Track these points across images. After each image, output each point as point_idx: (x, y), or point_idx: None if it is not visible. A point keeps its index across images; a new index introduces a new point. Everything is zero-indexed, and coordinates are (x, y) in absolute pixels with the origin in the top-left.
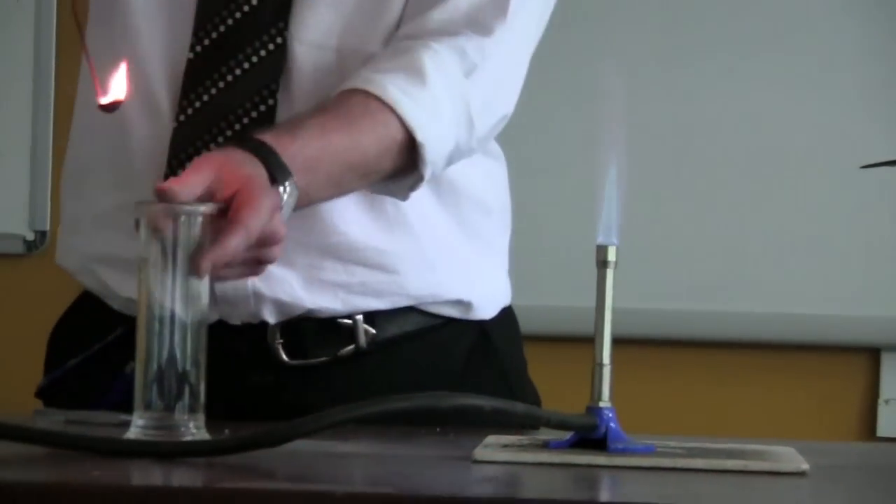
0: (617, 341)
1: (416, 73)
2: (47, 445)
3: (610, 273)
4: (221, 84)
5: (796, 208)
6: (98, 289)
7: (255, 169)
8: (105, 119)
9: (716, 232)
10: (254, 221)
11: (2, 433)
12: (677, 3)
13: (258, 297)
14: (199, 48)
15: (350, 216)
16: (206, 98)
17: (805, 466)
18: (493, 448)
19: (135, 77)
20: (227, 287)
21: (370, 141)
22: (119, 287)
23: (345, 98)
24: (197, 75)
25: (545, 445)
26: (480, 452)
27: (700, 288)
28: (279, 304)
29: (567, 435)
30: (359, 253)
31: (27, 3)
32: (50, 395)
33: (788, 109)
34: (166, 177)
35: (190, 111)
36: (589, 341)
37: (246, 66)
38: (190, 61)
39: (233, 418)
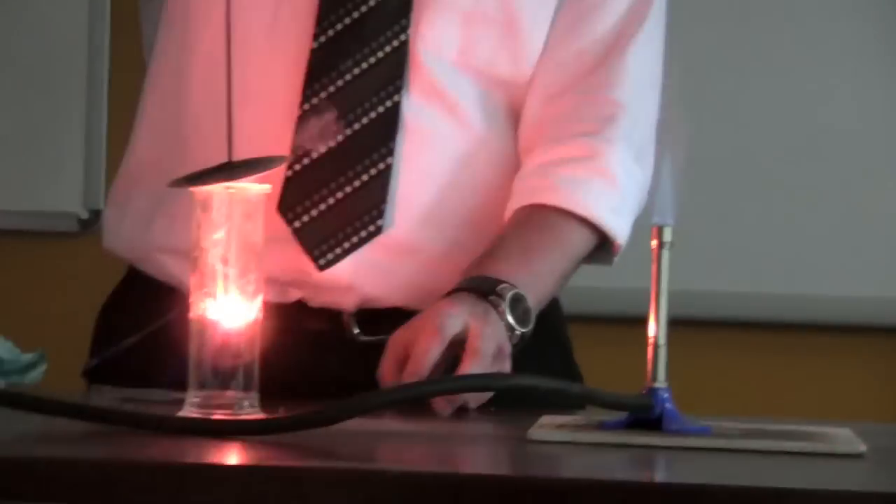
0: (672, 322)
1: (608, 179)
2: (103, 422)
3: (666, 254)
4: (349, 76)
5: (855, 189)
6: (162, 277)
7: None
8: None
9: (772, 212)
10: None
11: (59, 410)
12: None
13: (351, 289)
14: (323, 38)
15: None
16: (332, 89)
17: (862, 448)
18: (549, 428)
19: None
20: (323, 275)
21: (579, 252)
22: (185, 276)
23: (549, 215)
24: (322, 67)
25: (600, 426)
26: (536, 432)
27: (757, 269)
28: (368, 298)
29: (622, 416)
30: (455, 264)
31: None
32: (99, 374)
33: (846, 89)
34: (290, 165)
35: (315, 100)
36: (629, 322)
37: (372, 60)
38: (314, 52)
39: (302, 396)
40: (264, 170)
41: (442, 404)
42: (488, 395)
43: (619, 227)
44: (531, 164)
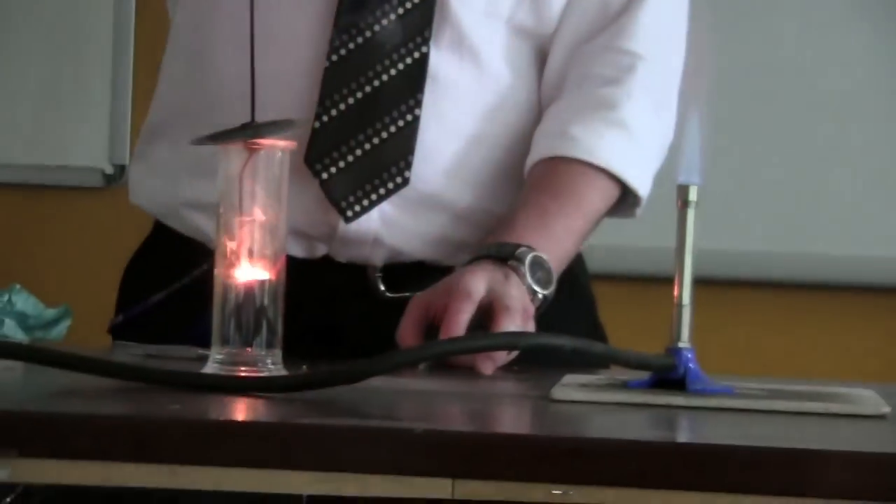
0: (696, 282)
1: (627, 131)
2: (126, 379)
3: (691, 213)
4: (376, 27)
5: (876, 150)
6: (190, 232)
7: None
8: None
9: (795, 172)
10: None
11: (81, 366)
12: None
13: (377, 242)
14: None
15: (497, 188)
16: (359, 40)
17: (887, 409)
18: (572, 387)
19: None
20: (349, 228)
21: (597, 208)
22: (212, 231)
23: (567, 170)
24: (349, 16)
25: (623, 385)
26: (559, 391)
27: (780, 228)
28: (394, 252)
29: (646, 375)
30: (492, 220)
31: None
32: (124, 330)
33: (872, 51)
34: (317, 117)
35: (343, 51)
36: (653, 281)
37: (400, 10)
38: (342, 1)
39: (325, 352)
40: (286, 130)
41: (485, 363)
42: (513, 354)
43: (639, 178)
44: (550, 116)
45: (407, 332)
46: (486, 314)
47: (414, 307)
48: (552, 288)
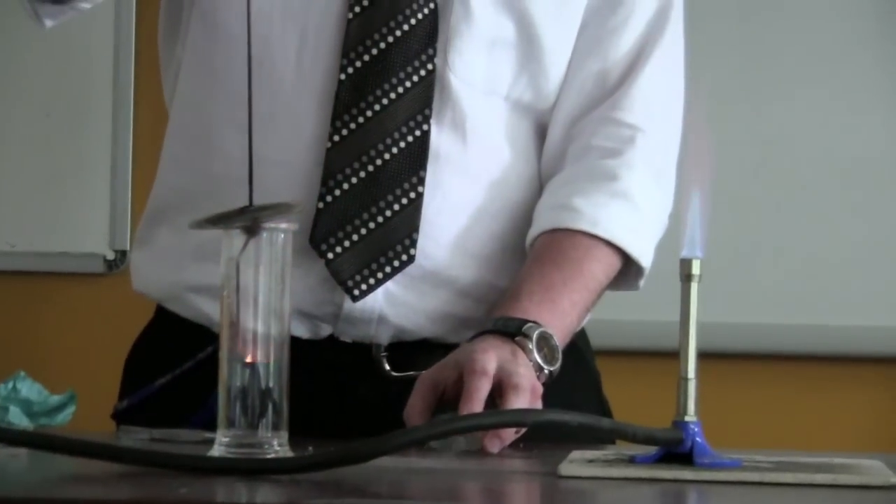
0: (700, 355)
1: (629, 202)
2: (132, 463)
3: (695, 287)
4: (377, 107)
5: (882, 220)
6: (193, 316)
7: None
8: (210, 147)
9: (794, 244)
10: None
11: (87, 451)
12: (759, 15)
13: (382, 320)
14: (350, 69)
15: (500, 262)
16: (361, 120)
17: (894, 480)
18: (579, 463)
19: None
20: (354, 308)
21: (600, 280)
22: (216, 314)
23: (571, 242)
24: (350, 98)
25: (631, 460)
26: (566, 468)
27: (783, 301)
28: (399, 330)
29: (653, 450)
30: (496, 294)
31: (105, 21)
32: (129, 415)
33: (876, 120)
34: (321, 197)
35: (345, 131)
36: (655, 355)
37: (400, 89)
38: (341, 83)
39: (331, 432)
40: (285, 214)
41: (493, 441)
42: (521, 431)
43: (642, 249)
44: (552, 189)
45: (415, 410)
46: (495, 392)
47: (422, 385)
48: (558, 364)
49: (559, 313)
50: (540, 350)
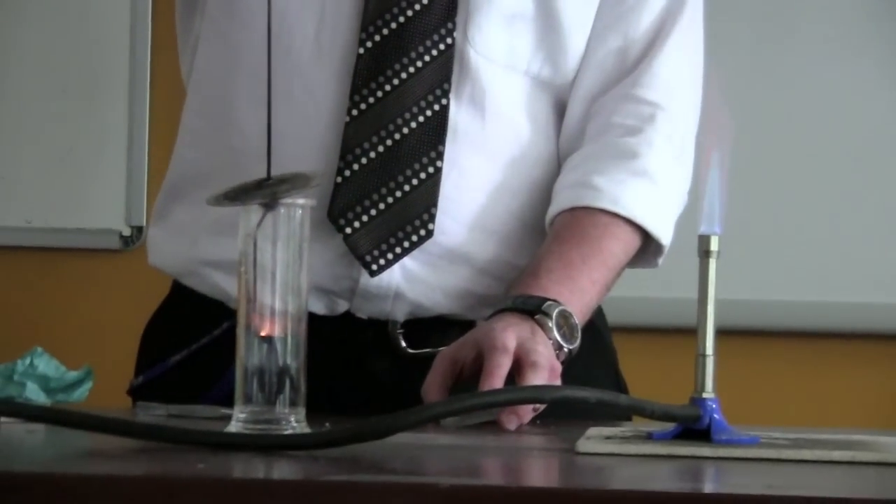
0: (718, 332)
1: (649, 180)
2: (149, 439)
3: (713, 263)
4: (396, 81)
5: None
6: (210, 291)
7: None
8: (229, 122)
9: (818, 219)
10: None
11: (104, 427)
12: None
13: (398, 297)
14: (369, 43)
15: (518, 240)
16: (379, 94)
17: None
18: (596, 440)
19: (287, 76)
20: (371, 283)
21: (620, 258)
22: (232, 290)
23: (590, 220)
24: (369, 72)
25: (648, 437)
26: (584, 444)
27: (802, 277)
28: (416, 306)
29: (670, 426)
30: (514, 272)
31: (122, 14)
32: (145, 391)
33: (886, 98)
34: (339, 171)
35: (363, 106)
36: (673, 331)
37: (419, 64)
38: (360, 57)
39: (347, 408)
40: (304, 187)
41: (510, 418)
42: (539, 409)
43: (662, 227)
44: (571, 166)
45: (433, 387)
46: (514, 369)
47: (440, 362)
48: (577, 342)
49: (578, 291)
50: (559, 328)
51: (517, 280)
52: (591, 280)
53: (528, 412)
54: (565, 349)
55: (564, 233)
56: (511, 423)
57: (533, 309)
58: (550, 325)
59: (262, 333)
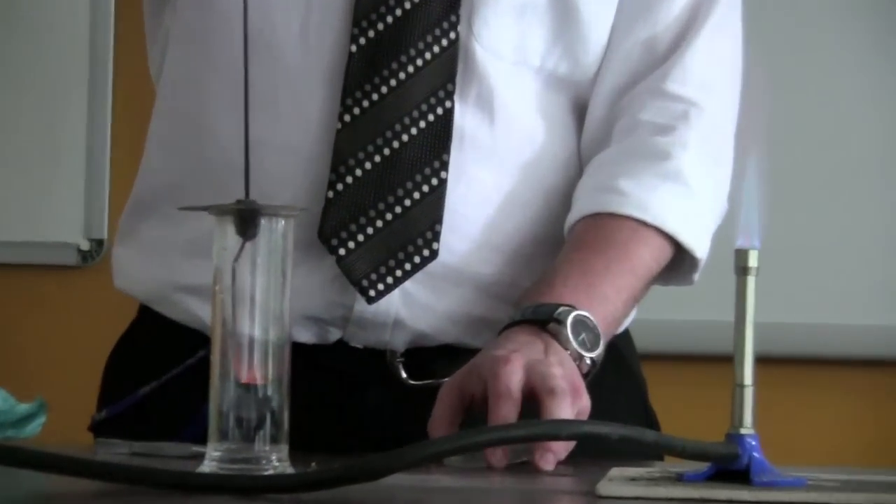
0: (758, 359)
1: (683, 185)
2: (111, 480)
3: (751, 281)
4: (393, 82)
5: None
6: (181, 318)
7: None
8: (204, 129)
9: (872, 233)
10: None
11: (59, 466)
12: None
13: (398, 325)
14: (362, 40)
15: (531, 256)
16: (375, 97)
17: None
18: (620, 482)
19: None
20: (367, 310)
21: (649, 266)
22: (206, 316)
23: (615, 227)
24: (362, 73)
25: (678, 478)
26: (605, 486)
27: (851, 299)
28: (417, 335)
29: (704, 466)
30: (517, 292)
31: (82, 8)
32: (108, 426)
33: None
34: (331, 185)
35: (357, 110)
36: (707, 360)
37: (419, 62)
38: (352, 56)
39: (338, 446)
40: (283, 217)
41: (545, 457)
42: (570, 446)
43: (696, 238)
44: (594, 169)
45: (440, 422)
46: (532, 397)
47: (447, 393)
48: (600, 350)
49: (599, 297)
50: (577, 336)
51: (529, 290)
52: (616, 287)
53: (563, 447)
54: (586, 359)
55: (584, 238)
56: (547, 463)
57: (545, 318)
58: (566, 333)
59: (241, 362)
